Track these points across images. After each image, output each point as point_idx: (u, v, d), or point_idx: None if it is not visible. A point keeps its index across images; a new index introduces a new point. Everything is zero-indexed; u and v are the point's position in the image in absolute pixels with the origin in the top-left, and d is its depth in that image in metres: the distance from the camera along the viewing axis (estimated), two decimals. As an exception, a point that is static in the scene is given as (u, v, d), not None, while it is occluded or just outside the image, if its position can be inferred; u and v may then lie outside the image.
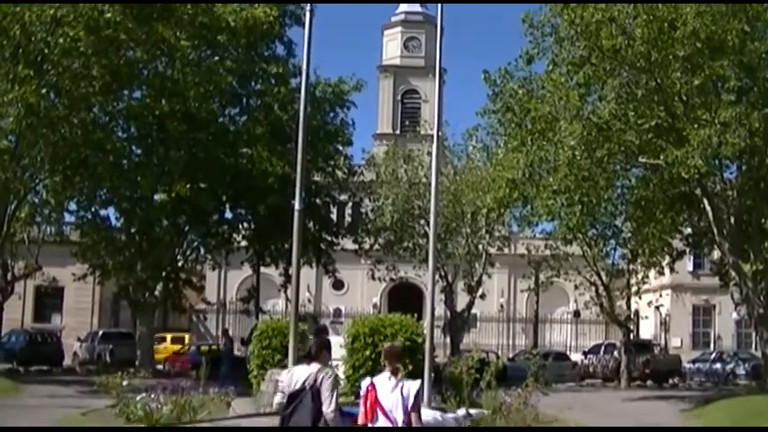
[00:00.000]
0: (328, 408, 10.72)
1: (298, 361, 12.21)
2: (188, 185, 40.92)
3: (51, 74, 36.98)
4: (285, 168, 40.79)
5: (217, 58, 43.22)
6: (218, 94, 43.19)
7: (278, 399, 11.52)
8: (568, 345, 70.46)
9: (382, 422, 10.56)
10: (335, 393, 10.84)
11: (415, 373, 24.24)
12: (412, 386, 10.72)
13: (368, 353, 26.39)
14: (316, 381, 10.90)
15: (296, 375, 11.21)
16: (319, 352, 11.30)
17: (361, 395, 10.94)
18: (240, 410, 21.16)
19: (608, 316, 54.76)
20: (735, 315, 59.11)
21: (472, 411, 19.16)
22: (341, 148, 50.32)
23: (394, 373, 10.80)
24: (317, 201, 50.17)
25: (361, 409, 10.86)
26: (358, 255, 55.08)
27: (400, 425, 10.41)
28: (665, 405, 35.97)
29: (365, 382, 10.96)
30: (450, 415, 14.57)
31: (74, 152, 38.35)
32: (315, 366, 11.04)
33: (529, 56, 36.99)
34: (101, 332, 56.49)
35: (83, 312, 66.03)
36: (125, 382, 23.78)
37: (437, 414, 13.88)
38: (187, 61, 41.49)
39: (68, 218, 49.54)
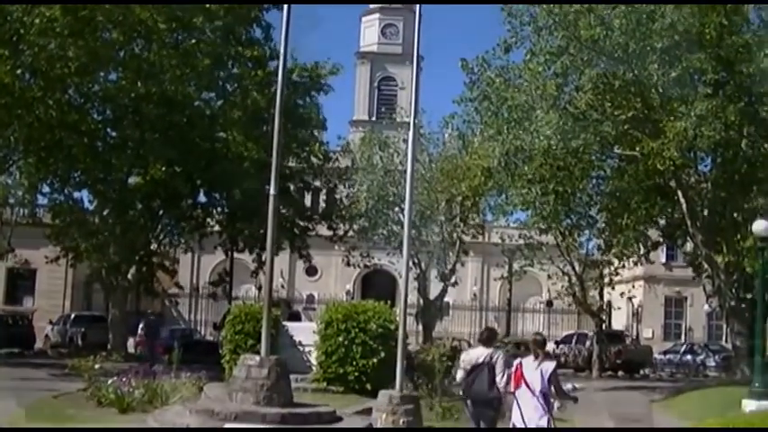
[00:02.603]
0: (501, 380, 14.84)
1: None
2: (163, 169, 40.76)
3: (27, 54, 36.70)
4: (260, 153, 40.64)
5: (193, 41, 42.92)
6: (194, 77, 42.93)
7: (460, 374, 15.59)
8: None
9: (524, 389, 14.18)
10: (506, 369, 14.77)
11: (388, 361, 24.33)
12: (549, 366, 14.33)
13: (341, 339, 26.44)
14: (491, 359, 15.08)
15: (474, 355, 15.41)
16: (491, 339, 15.83)
17: (513, 371, 14.56)
18: (212, 395, 21.10)
19: (581, 306, 54.99)
20: (706, 307, 59.38)
21: (577, 385, 21.39)
22: (316, 133, 50.21)
23: (537, 356, 14.39)
24: (292, 186, 50.03)
25: (512, 379, 14.49)
26: (332, 241, 55.00)
27: (537, 392, 14.09)
28: (636, 395, 36.14)
29: (516, 362, 14.61)
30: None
31: (48, 133, 38.14)
32: (490, 349, 15.32)
33: (507, 44, 37.01)
34: (73, 315, 56.26)
35: (55, 295, 65.73)
36: (97, 366, 23.73)
37: None
38: (164, 44, 41.20)
39: (42, 200, 49.32)
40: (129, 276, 47.24)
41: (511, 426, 14.46)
